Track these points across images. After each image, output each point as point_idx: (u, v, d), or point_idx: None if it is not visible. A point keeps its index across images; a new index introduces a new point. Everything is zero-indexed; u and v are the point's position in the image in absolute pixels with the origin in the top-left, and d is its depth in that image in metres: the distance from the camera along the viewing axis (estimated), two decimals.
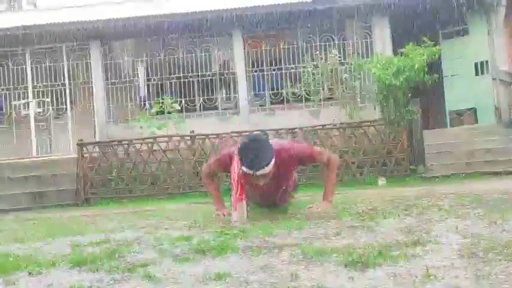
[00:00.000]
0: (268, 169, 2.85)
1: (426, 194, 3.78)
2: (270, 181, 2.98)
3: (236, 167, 2.96)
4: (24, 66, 8.97)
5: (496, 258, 1.58)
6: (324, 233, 2.26)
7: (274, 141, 3.19)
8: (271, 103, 9.10)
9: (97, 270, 1.85)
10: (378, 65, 7.15)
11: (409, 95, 7.09)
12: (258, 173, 2.83)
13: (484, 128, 8.18)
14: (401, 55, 7.18)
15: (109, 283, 1.66)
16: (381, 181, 6.64)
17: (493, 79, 8.59)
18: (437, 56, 7.20)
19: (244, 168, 2.84)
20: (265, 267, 1.72)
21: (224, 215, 3.18)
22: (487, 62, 8.75)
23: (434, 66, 7.64)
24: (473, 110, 8.83)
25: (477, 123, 8.72)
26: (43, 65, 8.92)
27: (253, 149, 2.83)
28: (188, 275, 1.69)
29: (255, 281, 1.55)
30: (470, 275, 1.43)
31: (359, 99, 8.14)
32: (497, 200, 3.01)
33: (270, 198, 3.31)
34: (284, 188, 3.29)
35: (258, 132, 6.73)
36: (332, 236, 2.19)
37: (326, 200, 3.20)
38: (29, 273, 1.89)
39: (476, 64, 8.86)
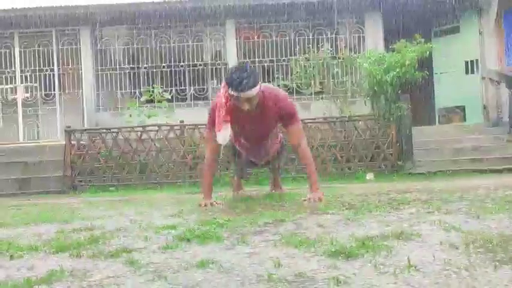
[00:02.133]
0: (252, 92, 2.99)
1: (412, 190, 3.81)
2: (255, 116, 3.14)
3: (223, 99, 3.12)
4: (12, 50, 8.83)
5: (476, 251, 1.61)
6: (309, 224, 2.27)
7: (265, 84, 3.33)
8: None
9: (80, 256, 1.84)
10: (369, 60, 7.18)
11: (399, 91, 7.14)
12: (243, 95, 2.98)
13: (472, 126, 8.28)
14: (392, 51, 7.21)
15: (91, 268, 1.65)
16: (369, 176, 6.70)
17: (483, 78, 8.68)
18: (428, 53, 7.24)
19: (230, 91, 3.02)
20: (249, 255, 1.73)
21: (206, 205, 3.20)
22: (477, 60, 8.84)
23: (425, 63, 7.69)
24: (462, 108, 8.93)
25: (465, 121, 8.82)
26: (32, 49, 8.80)
27: (239, 71, 3.00)
28: (171, 262, 1.68)
29: (238, 268, 1.55)
30: (450, 266, 1.45)
31: (349, 94, 8.17)
32: (481, 196, 3.04)
33: (257, 149, 3.45)
34: (270, 140, 3.45)
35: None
36: (316, 227, 2.20)
37: (316, 191, 3.23)
38: (10, 257, 1.87)
39: (466, 62, 8.95)
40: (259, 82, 3.09)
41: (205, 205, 3.22)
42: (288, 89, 8.58)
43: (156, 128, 7.23)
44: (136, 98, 8.69)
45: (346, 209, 2.75)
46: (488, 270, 1.40)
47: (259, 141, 3.47)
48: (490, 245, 1.67)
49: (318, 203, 3.05)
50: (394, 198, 3.20)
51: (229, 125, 3.14)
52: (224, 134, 3.13)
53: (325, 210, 2.72)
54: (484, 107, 8.63)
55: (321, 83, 8.45)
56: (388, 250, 1.67)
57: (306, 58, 8.32)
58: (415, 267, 1.45)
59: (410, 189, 3.82)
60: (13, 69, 8.84)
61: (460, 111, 8.92)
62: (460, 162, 7.02)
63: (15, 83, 8.84)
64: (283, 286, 1.35)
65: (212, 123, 3.29)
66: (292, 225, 2.29)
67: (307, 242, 1.84)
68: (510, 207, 2.49)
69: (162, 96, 7.98)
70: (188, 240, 2.02)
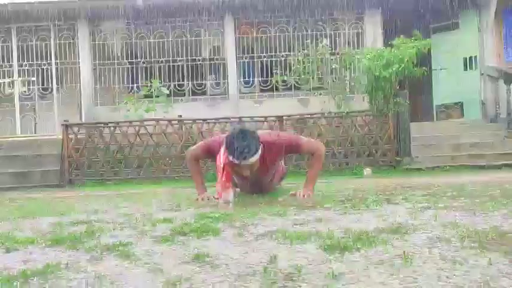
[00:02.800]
0: (253, 160, 2.98)
1: (409, 185, 3.82)
2: (256, 171, 3.11)
3: (223, 155, 3.06)
4: (9, 44, 8.79)
5: (471, 245, 1.61)
6: (306, 219, 2.27)
7: (261, 133, 3.25)
8: (261, 90, 9.08)
9: (76, 249, 1.83)
10: (368, 56, 7.17)
11: (398, 87, 7.14)
12: (243, 163, 2.96)
13: (470, 123, 8.30)
14: (391, 47, 7.20)
15: (87, 261, 1.64)
16: (366, 171, 6.71)
17: (481, 74, 8.69)
18: (427, 49, 7.23)
19: (230, 158, 2.98)
20: (245, 249, 1.73)
21: (203, 199, 3.22)
22: (475, 57, 8.84)
23: (424, 60, 7.68)
24: (460, 104, 8.93)
25: (463, 117, 8.83)
26: (29, 43, 8.76)
27: (240, 140, 2.94)
28: (167, 255, 1.68)
29: (234, 262, 1.55)
30: (446, 261, 1.45)
31: (348, 90, 8.16)
32: (478, 192, 3.05)
33: (257, 185, 3.43)
34: (270, 178, 3.44)
35: (247, 119, 6.78)
36: (312, 221, 2.20)
37: (307, 188, 3.23)
38: (6, 250, 1.87)
39: (465, 59, 8.95)
40: (260, 148, 3.02)
41: (202, 199, 3.23)
42: (287, 84, 8.58)
43: (154, 122, 7.22)
44: (134, 92, 8.67)
45: (343, 203, 2.75)
46: (484, 264, 1.41)
47: (258, 186, 3.47)
48: (486, 240, 1.68)
49: (304, 199, 3.07)
50: (391, 193, 3.21)
51: (230, 189, 3.11)
52: (226, 199, 3.07)
53: (322, 205, 2.73)
54: (482, 103, 8.64)
55: (319, 79, 8.44)
56: (384, 244, 1.67)
57: (304, 54, 8.30)
58: (411, 261, 1.45)
59: (407, 185, 3.83)
60: (10, 63, 8.80)
61: (458, 107, 8.92)
62: (458, 158, 7.03)
63: (12, 77, 8.81)
64: (279, 279, 1.35)
65: (203, 150, 3.35)
66: (288, 219, 2.30)
67: (303, 236, 1.84)
68: (507, 203, 2.50)
69: (160, 91, 7.96)
70: (185, 233, 2.02)
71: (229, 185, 3.09)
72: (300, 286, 1.29)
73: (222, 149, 3.07)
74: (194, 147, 3.60)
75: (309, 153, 3.44)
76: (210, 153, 3.32)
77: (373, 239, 1.74)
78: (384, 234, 1.83)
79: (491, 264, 1.40)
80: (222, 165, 3.06)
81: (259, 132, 3.21)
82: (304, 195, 3.16)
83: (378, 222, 2.09)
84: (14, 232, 2.26)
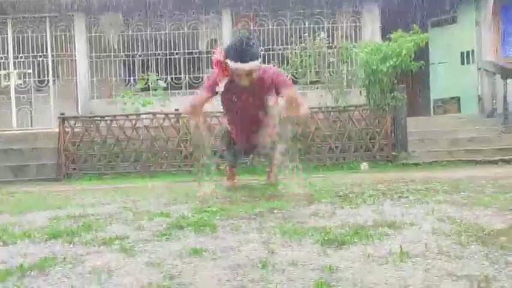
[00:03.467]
0: (255, 64, 2.98)
1: (406, 180, 3.83)
2: (252, 92, 3.10)
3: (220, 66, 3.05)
4: (5, 36, 8.72)
5: (468, 240, 1.62)
6: (303, 213, 2.28)
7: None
8: None
9: (72, 243, 1.83)
10: (366, 49, 7.15)
11: (395, 81, 7.13)
12: (248, 65, 2.94)
13: (467, 117, 8.30)
14: (389, 41, 7.18)
15: (83, 255, 1.64)
16: (363, 166, 6.71)
17: (478, 69, 8.69)
18: (424, 43, 7.21)
19: (233, 63, 2.95)
20: (243, 243, 1.73)
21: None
22: (473, 51, 8.83)
23: (421, 54, 7.67)
24: (457, 99, 8.94)
25: (460, 112, 8.84)
26: (25, 35, 8.68)
27: (243, 44, 2.95)
28: (165, 249, 1.68)
29: (232, 256, 1.55)
30: (442, 255, 1.46)
31: (345, 84, 8.15)
32: (475, 187, 3.06)
33: (253, 120, 3.35)
34: (265, 108, 3.31)
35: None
36: (310, 216, 2.21)
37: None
38: (3, 244, 1.86)
39: (462, 53, 8.94)
40: (260, 54, 3.08)
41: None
42: None
43: (151, 116, 7.18)
44: (131, 85, 8.63)
45: (340, 198, 2.76)
46: (480, 258, 1.41)
47: (254, 123, 3.39)
48: (482, 234, 1.68)
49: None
50: (388, 188, 3.22)
51: (220, 82, 3.11)
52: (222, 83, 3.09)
53: (319, 200, 2.73)
54: (479, 98, 8.65)
55: (316, 73, 8.42)
56: (380, 238, 1.68)
57: (302, 47, 8.27)
58: (408, 255, 1.46)
59: (404, 180, 3.83)
60: (6, 55, 8.74)
61: (455, 102, 8.93)
62: (455, 153, 7.04)
63: (8, 69, 8.74)
64: (276, 273, 1.35)
65: (211, 85, 3.25)
66: (286, 213, 2.30)
67: (301, 230, 1.84)
68: (503, 198, 2.51)
69: (157, 84, 7.92)
70: (182, 227, 2.02)
71: (226, 75, 3.05)
72: (297, 279, 1.29)
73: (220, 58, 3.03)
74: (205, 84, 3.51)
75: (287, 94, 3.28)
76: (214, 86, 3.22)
77: (371, 233, 1.75)
78: (381, 228, 1.83)
79: (488, 258, 1.41)
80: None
81: None
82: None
83: (375, 216, 2.09)
84: (11, 226, 2.25)
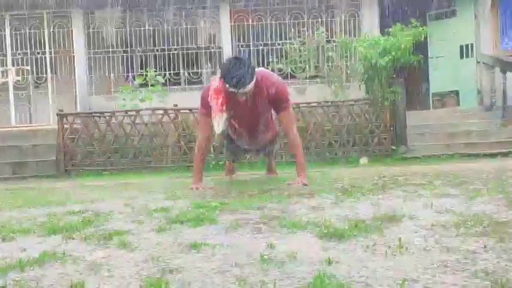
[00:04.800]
0: (251, 86, 3.04)
1: (406, 173, 3.83)
2: (249, 100, 3.15)
3: (218, 82, 3.08)
4: (3, 33, 8.69)
5: (467, 232, 1.62)
6: (302, 207, 2.28)
7: (260, 69, 3.38)
8: None
9: (72, 238, 1.83)
10: (365, 44, 7.13)
11: (394, 75, 7.13)
12: (242, 90, 3.01)
13: (466, 111, 8.31)
14: (388, 35, 7.17)
15: (83, 250, 1.64)
16: (363, 160, 6.72)
17: (477, 62, 8.67)
18: (423, 37, 7.20)
19: (228, 88, 3.01)
20: (242, 237, 1.73)
21: (198, 188, 3.24)
22: (472, 45, 8.82)
23: (420, 47, 7.66)
24: (456, 93, 8.94)
25: (459, 106, 8.84)
26: (23, 31, 8.65)
27: (236, 68, 2.98)
28: (164, 244, 1.68)
29: (231, 250, 1.56)
30: (441, 247, 1.46)
31: (344, 78, 8.14)
32: (474, 180, 3.07)
33: (251, 124, 3.43)
34: (262, 116, 3.42)
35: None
36: (309, 209, 2.21)
37: (300, 177, 3.26)
38: (3, 239, 1.87)
39: (461, 47, 8.92)
40: (255, 75, 3.08)
41: (196, 188, 3.24)
42: (283, 73, 8.54)
43: (150, 112, 7.18)
44: (129, 81, 8.61)
45: (340, 192, 2.76)
46: (479, 250, 1.42)
47: (252, 126, 3.46)
48: (481, 227, 1.69)
49: (301, 187, 3.08)
50: (387, 181, 3.22)
51: (224, 114, 3.13)
52: (219, 121, 3.12)
53: (319, 193, 2.73)
54: (478, 92, 8.65)
55: (315, 67, 8.41)
56: (380, 231, 1.68)
57: (301, 42, 8.25)
58: (407, 248, 1.46)
59: (403, 173, 3.84)
60: (4, 51, 8.71)
61: (453, 95, 8.92)
62: (454, 146, 7.05)
63: (6, 66, 8.72)
64: (275, 267, 1.35)
65: (205, 109, 3.26)
66: (286, 207, 2.30)
67: (300, 224, 1.85)
68: (502, 190, 2.51)
69: (155, 80, 7.90)
70: (181, 222, 2.02)
71: (223, 110, 3.08)
72: (296, 273, 1.29)
73: (215, 82, 3.07)
74: (199, 113, 3.55)
75: (285, 126, 3.43)
76: (207, 99, 3.22)
77: (370, 226, 1.75)
78: (381, 222, 1.84)
79: (487, 251, 1.41)
80: (215, 99, 3.06)
81: (258, 69, 3.32)
82: (300, 183, 3.16)
83: (374, 210, 2.10)
84: (10, 221, 2.25)
